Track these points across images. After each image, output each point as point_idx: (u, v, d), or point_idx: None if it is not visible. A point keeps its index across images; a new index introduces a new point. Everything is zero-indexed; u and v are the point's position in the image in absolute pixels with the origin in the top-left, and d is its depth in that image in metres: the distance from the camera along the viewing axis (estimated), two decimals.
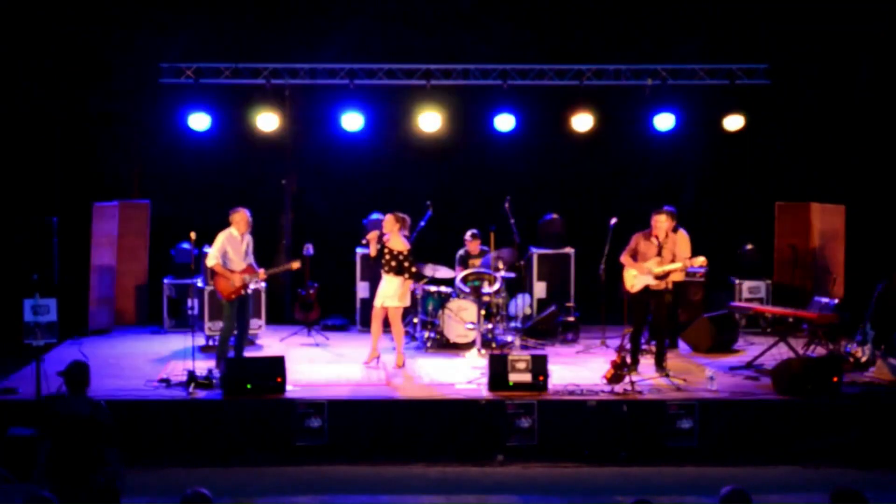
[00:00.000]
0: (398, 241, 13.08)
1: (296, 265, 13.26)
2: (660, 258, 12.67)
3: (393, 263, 13.04)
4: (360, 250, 15.51)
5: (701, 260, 12.71)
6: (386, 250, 13.06)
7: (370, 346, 13.31)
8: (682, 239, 13.47)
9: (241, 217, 12.81)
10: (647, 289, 12.75)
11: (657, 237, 12.72)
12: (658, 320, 12.87)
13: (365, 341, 14.77)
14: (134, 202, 15.96)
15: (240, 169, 16.09)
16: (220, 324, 14.30)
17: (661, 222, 12.73)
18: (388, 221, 13.14)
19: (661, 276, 12.70)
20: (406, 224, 13.24)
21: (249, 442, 11.46)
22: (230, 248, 12.70)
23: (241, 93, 15.27)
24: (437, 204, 14.94)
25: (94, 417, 8.32)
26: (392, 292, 13.05)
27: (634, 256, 12.85)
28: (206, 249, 14.35)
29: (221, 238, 12.73)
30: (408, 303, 13.29)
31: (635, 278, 12.78)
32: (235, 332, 12.77)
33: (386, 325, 13.30)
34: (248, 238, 12.92)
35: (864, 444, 11.58)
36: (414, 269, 13.15)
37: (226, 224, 12.87)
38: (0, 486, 10.50)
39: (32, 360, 11.64)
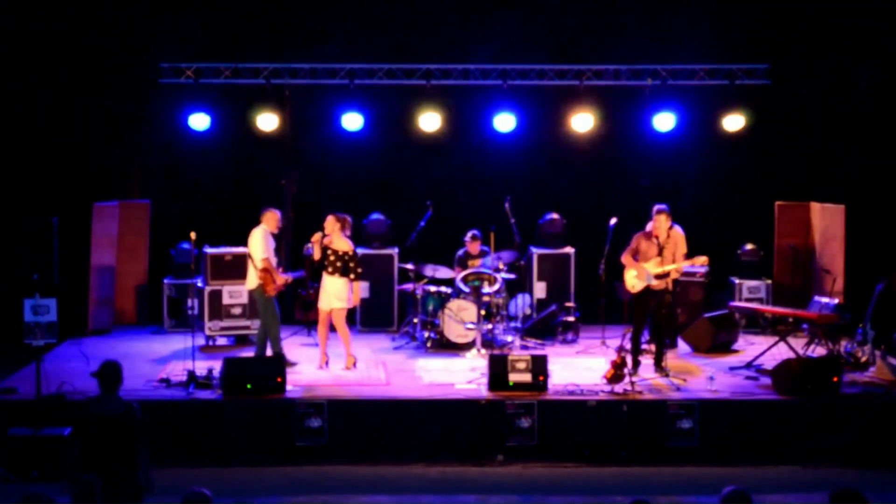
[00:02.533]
0: (342, 242, 13.06)
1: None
2: (660, 258, 12.68)
3: (338, 264, 12.98)
4: (360, 250, 15.47)
5: (702, 259, 12.73)
6: (329, 251, 13.01)
7: (319, 351, 13.27)
8: (680, 237, 13.46)
9: (273, 216, 12.95)
10: (647, 289, 12.75)
11: (657, 237, 12.73)
12: (658, 320, 12.87)
13: (365, 341, 14.82)
14: (134, 202, 15.97)
15: (240, 169, 16.11)
16: (219, 323, 14.39)
17: (662, 222, 12.74)
18: (330, 222, 13.08)
19: (662, 276, 12.71)
20: (348, 224, 13.21)
21: (249, 442, 11.48)
22: (270, 246, 12.86)
23: (241, 93, 15.27)
24: (437, 204, 14.95)
25: (128, 416, 8.37)
26: (336, 293, 12.99)
27: (635, 256, 12.86)
28: (207, 249, 14.40)
29: (261, 236, 12.80)
30: (352, 304, 13.21)
31: (636, 278, 12.78)
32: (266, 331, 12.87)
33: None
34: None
35: (864, 444, 11.59)
36: (360, 270, 13.16)
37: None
38: (0, 486, 10.50)
39: (32, 360, 11.64)
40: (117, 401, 8.47)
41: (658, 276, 12.69)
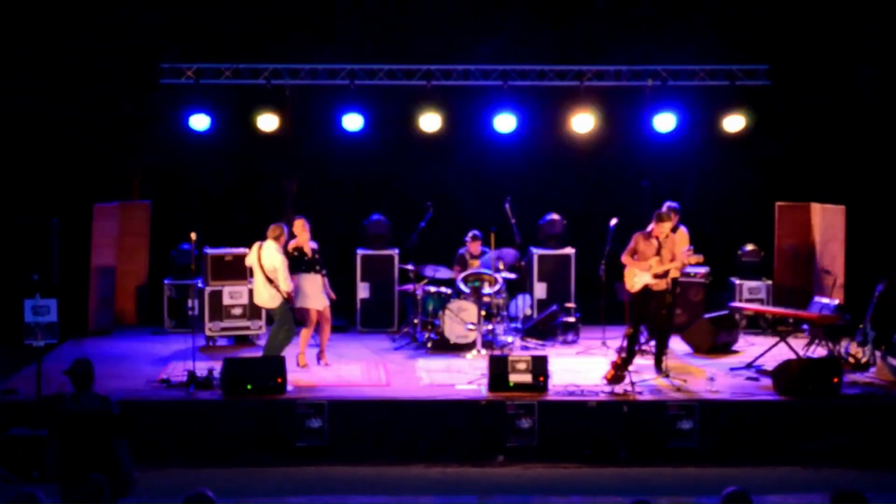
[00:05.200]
0: (310, 242, 13.23)
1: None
2: (659, 258, 12.70)
3: (321, 261, 13.18)
4: (360, 251, 15.52)
5: (697, 258, 12.77)
6: (307, 252, 13.12)
7: (303, 349, 13.26)
8: (682, 236, 13.54)
9: (283, 235, 12.92)
10: (647, 289, 12.76)
11: (657, 237, 12.76)
12: (658, 321, 12.88)
13: (365, 342, 14.84)
14: (134, 202, 15.97)
15: (240, 170, 16.12)
16: (220, 324, 14.40)
17: (664, 229, 12.78)
18: (300, 226, 13.14)
19: (661, 275, 12.72)
20: None
21: (249, 442, 11.47)
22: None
23: (242, 93, 15.27)
24: (438, 204, 14.95)
25: (106, 411, 8.38)
26: (320, 291, 13.16)
27: (634, 256, 12.90)
28: (207, 250, 14.41)
29: (282, 261, 12.72)
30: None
31: (636, 277, 12.81)
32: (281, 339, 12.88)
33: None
34: None
35: (864, 444, 11.58)
36: None
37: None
38: (1, 487, 10.49)
39: (33, 361, 11.64)
40: (94, 396, 8.48)
41: (657, 276, 12.70)
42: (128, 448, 8.46)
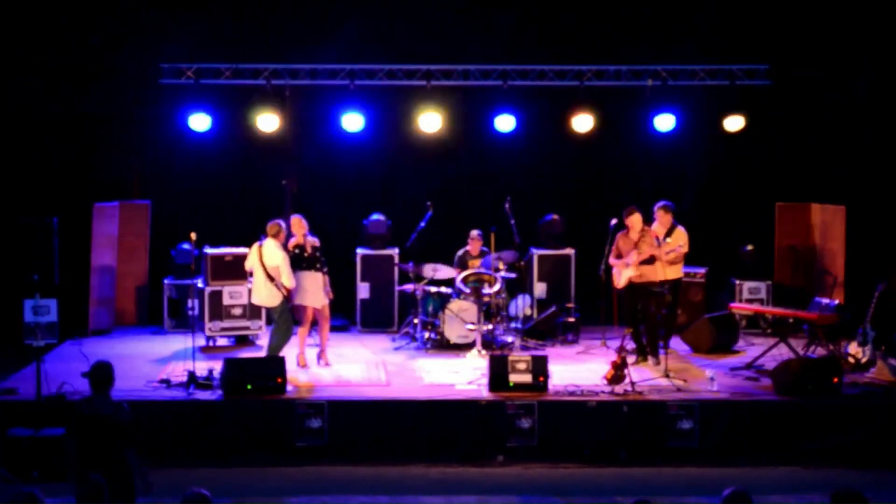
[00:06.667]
0: (310, 239, 13.21)
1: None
2: (637, 250, 12.91)
3: (321, 258, 13.16)
4: (360, 251, 15.52)
5: (677, 241, 13.22)
6: (305, 249, 13.11)
7: (302, 348, 13.27)
8: (680, 234, 13.62)
9: (283, 232, 12.98)
10: (631, 284, 13.07)
11: (631, 230, 13.16)
12: (649, 318, 13.00)
13: (365, 342, 14.83)
14: (134, 202, 15.97)
15: (240, 169, 16.11)
16: (220, 324, 14.40)
17: (634, 222, 13.18)
18: (298, 223, 13.15)
19: (646, 261, 12.97)
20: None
21: (249, 442, 11.48)
22: None
23: (242, 93, 15.26)
24: (438, 204, 14.95)
25: (115, 417, 8.38)
26: (322, 288, 13.15)
27: (619, 255, 13.28)
28: (207, 250, 14.41)
29: (283, 257, 12.77)
30: (330, 296, 13.42)
31: (619, 274, 13.13)
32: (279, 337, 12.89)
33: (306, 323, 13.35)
34: None
35: (865, 444, 11.59)
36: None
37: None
38: (1, 487, 10.50)
39: (33, 361, 11.65)
40: (107, 401, 8.48)
41: (640, 264, 12.99)
42: (137, 458, 8.44)
